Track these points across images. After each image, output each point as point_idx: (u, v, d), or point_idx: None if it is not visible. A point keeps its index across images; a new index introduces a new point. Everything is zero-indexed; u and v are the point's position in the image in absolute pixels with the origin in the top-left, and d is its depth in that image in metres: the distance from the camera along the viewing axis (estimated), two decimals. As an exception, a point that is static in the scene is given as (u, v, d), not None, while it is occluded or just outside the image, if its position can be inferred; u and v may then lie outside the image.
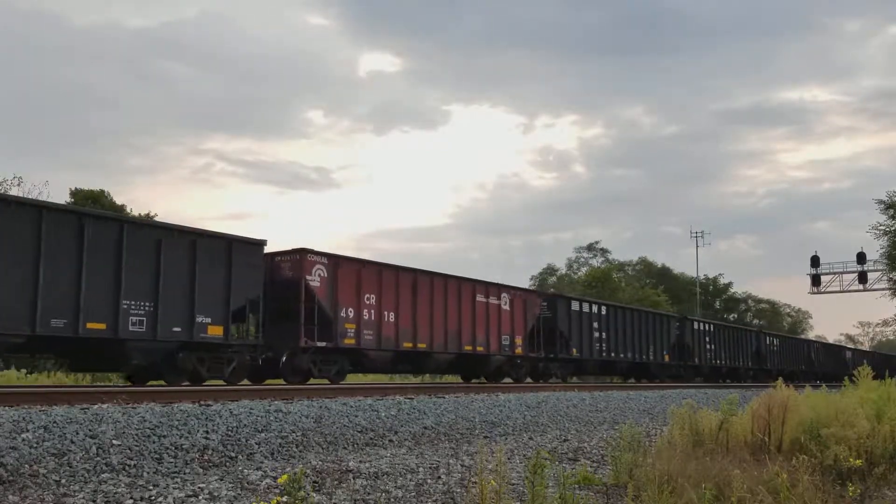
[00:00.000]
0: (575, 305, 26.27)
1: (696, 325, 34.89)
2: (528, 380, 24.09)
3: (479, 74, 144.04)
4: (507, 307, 22.48)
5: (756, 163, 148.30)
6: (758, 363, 40.62)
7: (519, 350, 22.84)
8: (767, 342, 42.93)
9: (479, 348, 21.23)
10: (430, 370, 22.70)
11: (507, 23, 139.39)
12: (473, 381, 22.75)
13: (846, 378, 10.22)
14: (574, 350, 25.65)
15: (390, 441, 9.23)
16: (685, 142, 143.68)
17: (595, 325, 26.93)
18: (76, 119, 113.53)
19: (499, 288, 22.51)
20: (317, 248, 16.80)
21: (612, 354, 27.81)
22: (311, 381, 16.79)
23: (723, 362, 36.69)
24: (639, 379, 31.18)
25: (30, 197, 12.93)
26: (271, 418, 8.64)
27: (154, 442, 7.00)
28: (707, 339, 35.23)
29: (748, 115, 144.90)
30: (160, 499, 5.39)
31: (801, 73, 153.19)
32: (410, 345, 18.77)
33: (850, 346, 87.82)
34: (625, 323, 28.88)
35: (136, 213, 34.64)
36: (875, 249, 41.95)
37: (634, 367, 30.42)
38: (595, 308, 27.33)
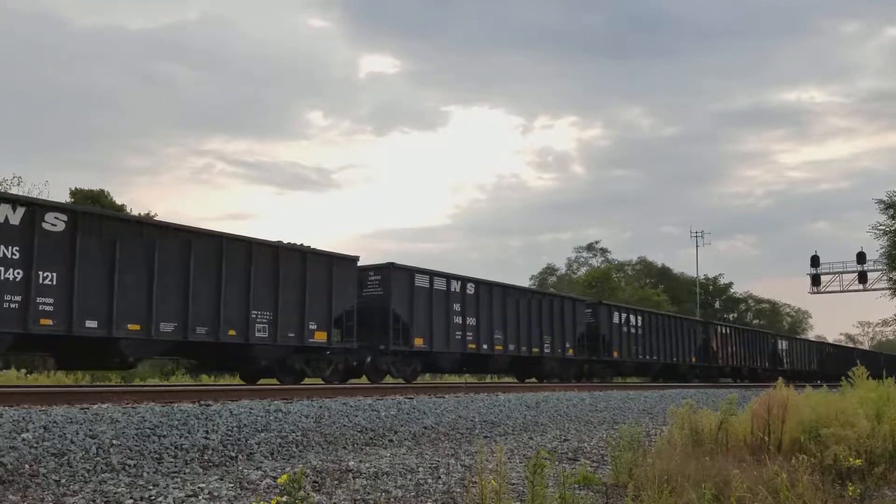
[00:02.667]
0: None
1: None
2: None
3: (478, 76, 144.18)
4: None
5: (754, 163, 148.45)
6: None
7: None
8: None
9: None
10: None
11: (506, 25, 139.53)
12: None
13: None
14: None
15: (390, 441, 9.23)
16: (684, 143, 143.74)
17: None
18: (77, 120, 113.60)
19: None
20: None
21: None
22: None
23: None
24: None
25: (136, 214, 13.64)
26: (271, 418, 8.64)
27: (154, 442, 7.00)
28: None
29: (746, 117, 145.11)
30: (160, 498, 5.39)
31: (798, 74, 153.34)
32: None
33: (855, 346, 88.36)
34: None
35: (135, 212, 34.63)
36: (875, 249, 41.95)
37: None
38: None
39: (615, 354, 27.68)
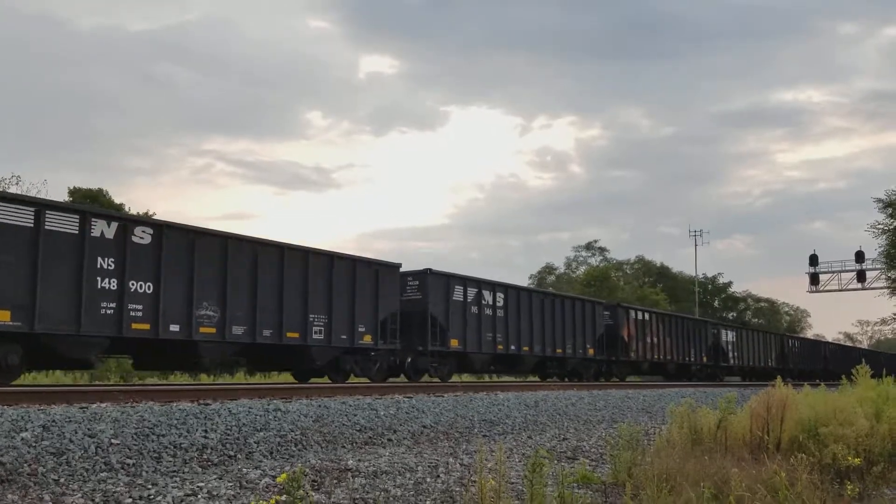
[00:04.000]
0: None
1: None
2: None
3: (476, 76, 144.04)
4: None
5: (753, 163, 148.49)
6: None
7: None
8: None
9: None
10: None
11: (504, 26, 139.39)
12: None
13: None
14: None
15: (389, 440, 9.22)
16: (682, 143, 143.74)
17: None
18: (77, 121, 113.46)
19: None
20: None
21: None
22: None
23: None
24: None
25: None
26: (270, 417, 8.64)
27: (153, 441, 7.00)
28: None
29: (745, 117, 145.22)
30: (159, 497, 5.39)
31: (796, 75, 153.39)
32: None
33: (861, 346, 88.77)
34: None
35: (134, 212, 34.61)
36: (874, 248, 41.98)
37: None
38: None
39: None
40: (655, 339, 30.53)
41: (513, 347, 22.38)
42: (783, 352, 43.97)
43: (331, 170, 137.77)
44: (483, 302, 21.46)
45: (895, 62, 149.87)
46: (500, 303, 22.08)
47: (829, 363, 50.30)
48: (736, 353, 37.93)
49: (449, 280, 20.34)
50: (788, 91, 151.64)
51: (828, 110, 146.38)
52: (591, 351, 26.35)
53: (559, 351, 24.65)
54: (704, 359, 34.73)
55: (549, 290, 26.57)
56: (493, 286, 22.04)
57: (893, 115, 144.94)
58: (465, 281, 20.95)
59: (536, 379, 27.10)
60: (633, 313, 29.44)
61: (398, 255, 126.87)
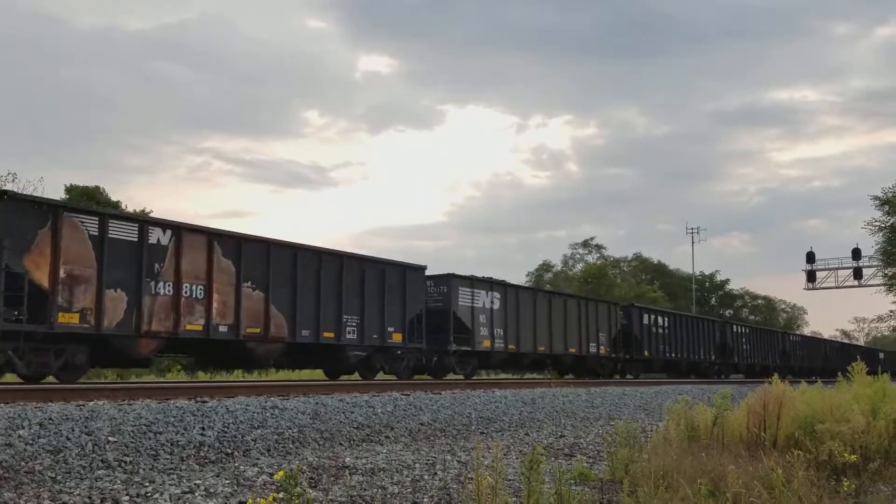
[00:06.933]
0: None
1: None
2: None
3: (473, 75, 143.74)
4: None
5: (748, 161, 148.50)
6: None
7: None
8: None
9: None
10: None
11: (501, 25, 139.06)
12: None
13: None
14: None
15: (386, 437, 9.23)
16: (678, 141, 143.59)
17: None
18: (75, 119, 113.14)
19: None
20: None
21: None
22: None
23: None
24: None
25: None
26: (268, 415, 8.63)
27: (150, 438, 6.99)
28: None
29: (740, 116, 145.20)
30: (156, 495, 5.38)
31: (791, 74, 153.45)
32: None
33: (857, 343, 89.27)
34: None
35: (131, 209, 34.54)
36: (870, 245, 42.09)
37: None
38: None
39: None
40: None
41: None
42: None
43: (328, 168, 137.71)
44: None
45: (889, 62, 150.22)
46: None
47: (829, 360, 51.02)
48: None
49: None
50: (783, 90, 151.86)
51: (823, 109, 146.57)
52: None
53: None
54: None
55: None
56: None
57: (888, 113, 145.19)
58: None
59: (534, 376, 27.50)
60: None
61: (396, 252, 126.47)
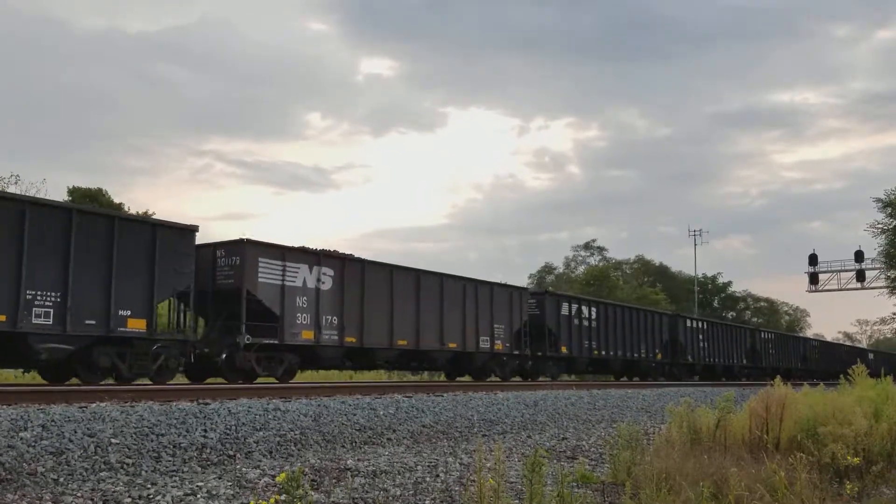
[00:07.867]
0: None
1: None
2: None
3: (475, 78, 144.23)
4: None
5: (749, 163, 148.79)
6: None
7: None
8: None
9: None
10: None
11: (502, 27, 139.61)
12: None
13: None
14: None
15: (388, 439, 9.22)
16: (680, 143, 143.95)
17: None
18: (77, 121, 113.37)
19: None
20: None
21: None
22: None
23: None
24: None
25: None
26: (270, 417, 8.63)
27: (152, 440, 6.99)
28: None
29: (741, 118, 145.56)
30: (158, 497, 5.38)
31: (792, 76, 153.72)
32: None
33: (860, 346, 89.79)
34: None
35: (133, 211, 34.56)
36: (873, 247, 42.00)
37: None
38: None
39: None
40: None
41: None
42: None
43: (330, 170, 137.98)
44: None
45: (889, 64, 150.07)
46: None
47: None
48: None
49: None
50: (784, 92, 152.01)
51: (823, 111, 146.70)
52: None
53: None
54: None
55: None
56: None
57: (889, 116, 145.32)
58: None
59: (545, 379, 27.30)
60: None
61: (398, 255, 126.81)
